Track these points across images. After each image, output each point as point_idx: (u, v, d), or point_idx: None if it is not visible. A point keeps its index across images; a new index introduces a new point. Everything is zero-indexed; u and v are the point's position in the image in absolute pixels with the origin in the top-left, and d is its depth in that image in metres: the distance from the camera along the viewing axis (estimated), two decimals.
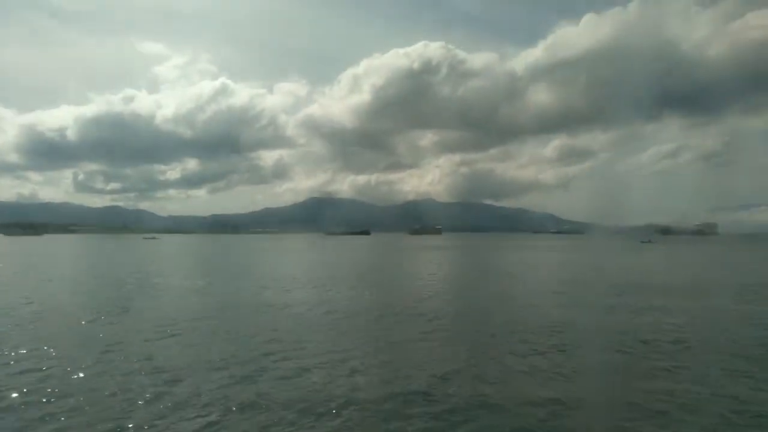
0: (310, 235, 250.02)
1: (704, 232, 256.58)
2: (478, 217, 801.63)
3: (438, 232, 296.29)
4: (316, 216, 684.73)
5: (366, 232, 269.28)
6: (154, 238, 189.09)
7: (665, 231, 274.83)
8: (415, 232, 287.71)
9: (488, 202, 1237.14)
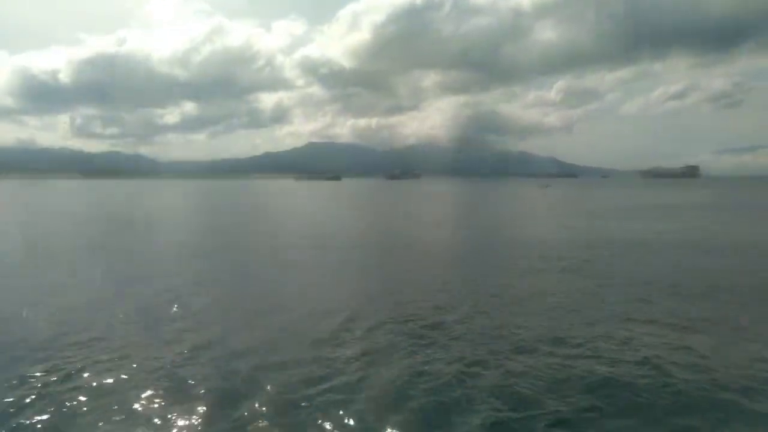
0: (285, 181, 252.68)
1: (686, 175, 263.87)
2: (479, 161, 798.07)
3: (417, 176, 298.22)
4: (316, 160, 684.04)
5: (337, 178, 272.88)
6: None
7: (646, 175, 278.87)
8: (393, 177, 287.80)
9: (491, 145, 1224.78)
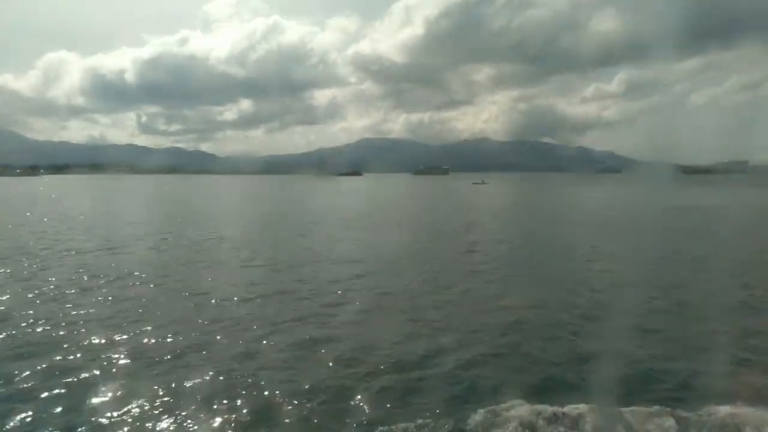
0: (312, 178, 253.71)
1: (734, 169, 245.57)
2: (534, 156, 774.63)
3: (445, 172, 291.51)
4: (368, 156, 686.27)
5: (358, 173, 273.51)
6: None
7: (686, 170, 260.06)
8: (420, 172, 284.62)
9: (547, 140, 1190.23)
